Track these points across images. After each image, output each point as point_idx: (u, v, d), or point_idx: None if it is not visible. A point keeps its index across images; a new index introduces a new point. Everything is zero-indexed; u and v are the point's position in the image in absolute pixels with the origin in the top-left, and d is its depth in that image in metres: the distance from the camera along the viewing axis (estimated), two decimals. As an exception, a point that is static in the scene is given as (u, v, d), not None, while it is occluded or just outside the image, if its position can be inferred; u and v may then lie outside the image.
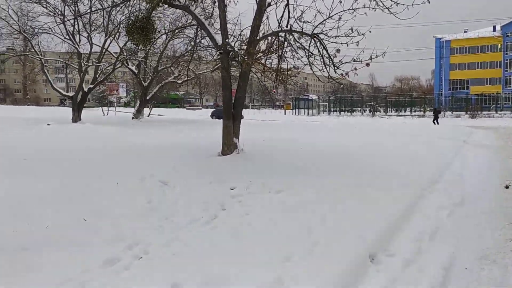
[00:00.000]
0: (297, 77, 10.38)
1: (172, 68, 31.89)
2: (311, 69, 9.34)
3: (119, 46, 27.67)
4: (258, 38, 10.02)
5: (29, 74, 58.17)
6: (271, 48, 10.09)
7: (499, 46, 72.61)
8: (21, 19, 25.15)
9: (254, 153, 10.62)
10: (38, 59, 27.17)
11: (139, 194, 6.63)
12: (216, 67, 27.05)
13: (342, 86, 20.26)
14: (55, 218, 5.14)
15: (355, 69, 8.78)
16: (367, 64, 8.80)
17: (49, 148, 10.77)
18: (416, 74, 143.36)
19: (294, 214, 5.70)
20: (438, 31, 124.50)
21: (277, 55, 10.02)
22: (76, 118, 26.21)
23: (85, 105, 30.04)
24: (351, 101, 64.84)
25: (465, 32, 77.75)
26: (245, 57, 8.92)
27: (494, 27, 73.86)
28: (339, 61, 9.27)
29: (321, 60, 9.33)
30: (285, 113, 61.19)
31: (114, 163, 8.75)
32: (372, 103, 59.53)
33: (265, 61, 10.26)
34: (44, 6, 24.26)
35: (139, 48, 29.09)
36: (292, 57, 9.85)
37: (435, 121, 35.37)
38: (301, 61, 9.82)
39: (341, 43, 9.09)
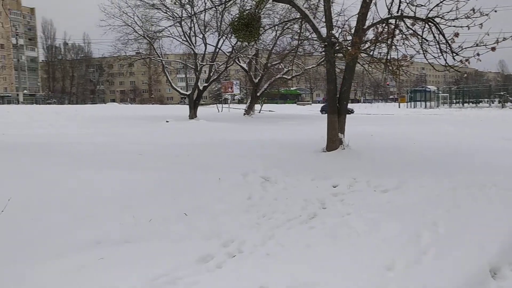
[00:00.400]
0: (409, 67, 9.58)
1: (281, 64, 32.11)
2: (425, 57, 8.51)
3: (231, 44, 28.68)
4: (365, 27, 9.45)
5: (153, 75, 63.52)
6: (380, 37, 9.43)
7: None
8: (144, 25, 27.37)
9: (361, 149, 10.08)
10: (159, 60, 29.39)
11: (240, 190, 6.66)
12: (321, 60, 26.57)
13: (465, 74, 18.35)
14: (159, 212, 5.35)
15: (478, 54, 7.77)
16: (493, 49, 7.74)
17: (164, 143, 11.50)
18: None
19: (400, 216, 5.18)
20: None
21: (386, 44, 9.33)
22: (193, 115, 27.82)
23: (202, 102, 31.70)
24: (476, 92, 58.81)
25: None
26: (349, 48, 8.44)
27: None
28: (458, 46, 8.31)
29: (437, 46, 8.45)
30: (399, 106, 57.81)
31: (220, 158, 8.97)
32: (502, 93, 53.25)
33: (373, 51, 9.66)
34: (164, 11, 26.14)
35: (246, 45, 29.88)
36: (402, 45, 9.09)
37: None
38: (414, 49, 9.02)
39: (461, 26, 8.13)
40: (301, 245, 4.31)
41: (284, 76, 32.85)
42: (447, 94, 58.37)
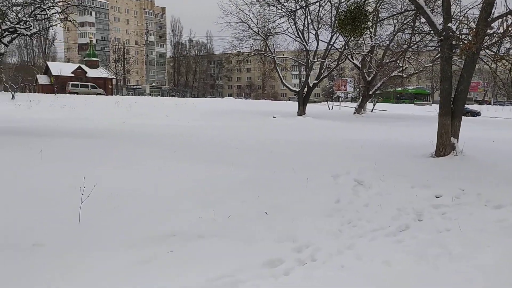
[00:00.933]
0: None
1: (398, 61, 30.31)
2: None
3: (345, 40, 27.88)
4: (489, 19, 8.31)
5: (266, 71, 65.15)
6: (508, 31, 8.22)
7: None
8: (259, 22, 27.89)
9: (477, 157, 8.94)
10: (272, 57, 29.79)
11: (328, 192, 6.29)
12: (436, 57, 24.39)
13: None
14: (239, 208, 5.26)
15: None
16: None
17: (263, 139, 11.51)
18: None
19: (510, 240, 4.38)
20: None
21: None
22: (301, 112, 27.69)
23: (315, 100, 31.40)
24: None
25: None
26: (465, 42, 7.47)
27: None
28: None
29: None
30: (538, 110, 50.84)
31: (314, 157, 8.65)
32: None
33: (499, 47, 8.48)
34: (279, 7, 26.32)
35: (362, 41, 28.72)
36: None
37: None
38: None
39: None
40: (380, 261, 3.85)
41: (399, 74, 30.97)
42: None
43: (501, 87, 9.27)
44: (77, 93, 45.88)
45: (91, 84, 53.63)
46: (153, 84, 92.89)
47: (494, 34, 8.58)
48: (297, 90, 29.26)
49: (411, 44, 14.10)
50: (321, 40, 27.56)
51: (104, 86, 60.04)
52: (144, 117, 20.76)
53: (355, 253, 4.10)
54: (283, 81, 30.16)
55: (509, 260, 3.83)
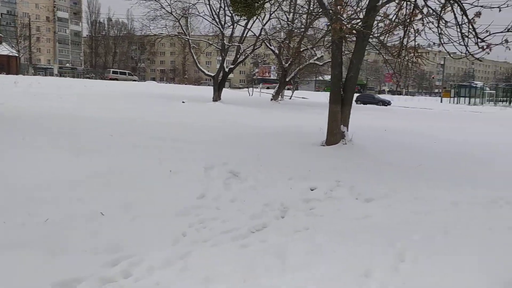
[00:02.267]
0: (426, 56, 8.16)
1: (314, 49, 30.46)
2: (440, 41, 7.07)
3: (262, 24, 27.49)
4: (378, 4, 8.07)
5: (185, 54, 64.24)
6: (396, 18, 8.03)
7: None
8: (171, 1, 26.37)
9: (365, 145, 8.79)
10: (186, 39, 28.51)
11: (194, 186, 5.59)
12: (329, 44, 24.83)
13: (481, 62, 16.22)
14: (68, 209, 4.34)
15: (506, 41, 6.30)
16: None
17: (152, 125, 10.57)
18: None
19: (363, 242, 3.91)
20: None
21: (402, 27, 7.93)
22: (216, 97, 26.88)
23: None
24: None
25: None
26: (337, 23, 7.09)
27: None
28: (486, 31, 6.82)
29: (458, 29, 6.99)
30: (441, 101, 54.56)
31: (193, 147, 7.91)
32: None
33: (386, 36, 8.28)
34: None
35: (280, 27, 28.45)
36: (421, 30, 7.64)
37: None
38: (433, 32, 7.58)
39: (491, 7, 6.66)
40: (202, 276, 3.17)
41: (316, 62, 31.22)
42: (494, 91, 54.55)
43: (396, 76, 9.09)
44: (117, 79, 50.00)
45: (128, 71, 62.01)
46: (67, 64, 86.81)
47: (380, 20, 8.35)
48: (212, 74, 28.38)
49: (307, 28, 13.78)
50: (238, 23, 26.84)
51: (7, 64, 54.78)
52: (36, 98, 18.71)
53: (184, 264, 3.42)
54: (198, 65, 29.15)
55: (352, 268, 3.33)
